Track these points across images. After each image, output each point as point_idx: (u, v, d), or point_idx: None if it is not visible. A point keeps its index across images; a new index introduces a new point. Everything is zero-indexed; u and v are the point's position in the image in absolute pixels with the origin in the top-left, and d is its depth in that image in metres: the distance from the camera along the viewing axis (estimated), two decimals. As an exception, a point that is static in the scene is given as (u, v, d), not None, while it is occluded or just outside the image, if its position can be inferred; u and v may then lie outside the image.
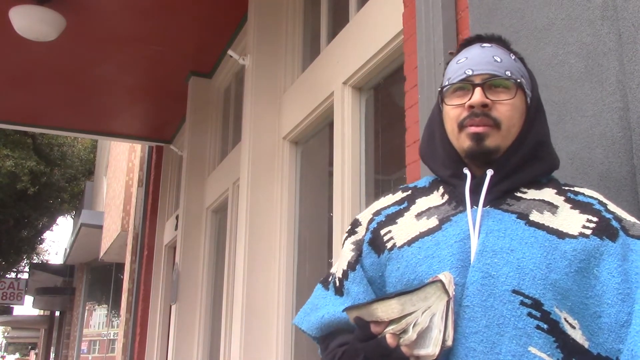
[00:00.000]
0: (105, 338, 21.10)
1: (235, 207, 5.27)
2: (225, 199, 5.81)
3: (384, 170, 3.56)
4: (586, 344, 1.08)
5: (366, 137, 3.51)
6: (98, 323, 21.14)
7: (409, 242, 1.21)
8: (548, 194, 1.21)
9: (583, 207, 1.18)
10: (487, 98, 1.21)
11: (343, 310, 1.16)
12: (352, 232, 1.34)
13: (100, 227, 12.91)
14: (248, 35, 4.93)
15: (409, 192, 1.35)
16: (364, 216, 1.35)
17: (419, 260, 1.18)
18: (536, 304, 1.08)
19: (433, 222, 1.23)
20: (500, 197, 1.21)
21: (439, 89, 1.32)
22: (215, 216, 6.39)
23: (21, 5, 4.85)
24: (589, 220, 1.15)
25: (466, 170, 1.24)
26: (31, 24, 4.88)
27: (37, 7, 4.85)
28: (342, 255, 1.32)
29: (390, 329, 1.08)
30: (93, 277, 18.27)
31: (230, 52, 4.99)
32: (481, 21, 2.13)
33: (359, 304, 1.13)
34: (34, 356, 33.43)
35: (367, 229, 1.31)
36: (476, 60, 1.25)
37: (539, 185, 1.24)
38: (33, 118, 7.66)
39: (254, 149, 4.44)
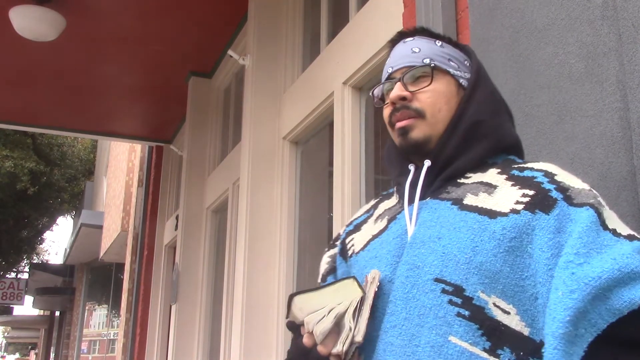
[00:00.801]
0: (105, 338, 21.12)
1: (235, 207, 5.27)
2: (225, 199, 5.81)
3: (384, 170, 3.55)
4: (526, 331, 0.99)
5: (366, 137, 3.51)
6: (98, 323, 21.15)
7: (363, 247, 1.23)
8: (490, 174, 1.15)
9: (522, 181, 1.10)
10: (407, 90, 1.20)
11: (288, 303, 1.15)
12: (332, 245, 1.37)
13: (100, 227, 12.91)
14: (248, 35, 4.93)
15: (378, 199, 1.36)
16: (342, 229, 1.38)
17: (366, 262, 1.19)
18: (457, 290, 1.02)
19: (383, 223, 1.23)
20: (441, 186, 1.17)
21: (370, 94, 1.34)
22: (215, 216, 6.39)
23: (21, 5, 4.85)
24: (524, 195, 1.07)
25: (410, 166, 1.23)
26: (31, 24, 4.88)
27: (37, 7, 4.85)
28: (320, 269, 1.36)
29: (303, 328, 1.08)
30: (93, 277, 18.27)
31: (230, 52, 4.99)
32: (481, 21, 2.13)
33: (292, 294, 1.12)
34: (34, 356, 33.44)
35: (341, 241, 1.33)
36: (395, 57, 1.26)
37: (486, 167, 1.17)
38: (33, 118, 7.66)
39: (254, 149, 4.44)
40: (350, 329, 1.04)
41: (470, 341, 0.99)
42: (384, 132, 3.75)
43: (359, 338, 1.04)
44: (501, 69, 1.97)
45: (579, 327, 0.92)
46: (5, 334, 41.85)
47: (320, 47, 4.20)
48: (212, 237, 6.33)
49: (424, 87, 1.20)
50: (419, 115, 1.19)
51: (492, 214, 1.07)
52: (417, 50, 1.23)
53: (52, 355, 23.82)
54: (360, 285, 1.08)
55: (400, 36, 1.30)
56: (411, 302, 1.05)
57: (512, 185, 1.10)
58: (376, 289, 1.08)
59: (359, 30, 3.50)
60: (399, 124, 1.21)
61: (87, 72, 6.33)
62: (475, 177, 1.16)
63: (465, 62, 1.27)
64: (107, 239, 11.71)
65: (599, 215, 1.02)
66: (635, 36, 1.51)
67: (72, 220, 21.13)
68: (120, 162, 11.59)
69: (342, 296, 1.06)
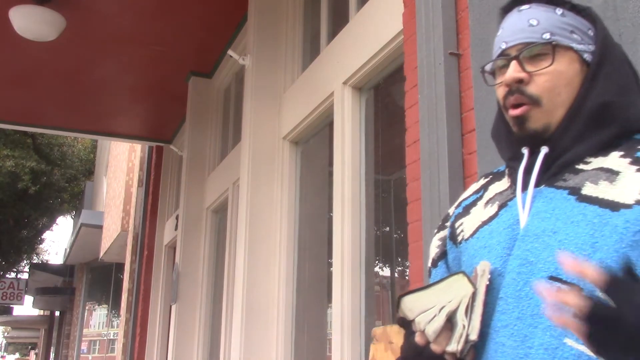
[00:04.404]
0: (105, 338, 21.10)
1: (235, 207, 5.27)
2: (225, 199, 5.81)
3: (384, 170, 3.56)
4: None
5: (366, 137, 3.51)
6: (98, 323, 21.14)
7: (473, 234, 1.15)
8: (612, 158, 1.03)
9: None
10: (524, 71, 1.08)
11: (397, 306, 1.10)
12: (441, 227, 1.28)
13: (100, 227, 12.91)
14: (248, 35, 4.93)
15: (488, 178, 1.25)
16: (452, 209, 1.28)
17: (476, 251, 1.12)
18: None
19: (494, 209, 1.14)
20: (558, 172, 1.06)
21: (480, 70, 1.22)
22: (215, 216, 6.39)
23: (21, 5, 4.85)
24: None
25: (524, 150, 1.12)
26: (31, 24, 4.88)
27: (37, 7, 4.85)
28: (430, 252, 1.28)
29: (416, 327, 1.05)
30: (93, 277, 18.26)
31: (230, 52, 4.99)
32: (481, 21, 2.13)
33: (401, 294, 1.07)
34: (34, 356, 33.43)
35: (450, 223, 1.25)
36: (510, 29, 1.13)
37: (608, 150, 1.05)
38: (33, 118, 7.66)
39: (254, 149, 4.44)
40: (464, 326, 1.01)
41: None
42: (384, 132, 3.75)
43: (473, 336, 1.01)
44: (501, 69, 1.96)
45: None
46: (5, 334, 41.84)
47: (320, 47, 4.20)
48: (212, 237, 6.33)
49: (544, 67, 1.07)
50: (534, 102, 1.08)
51: (613, 205, 0.97)
52: (534, 22, 1.10)
53: (52, 355, 23.81)
54: (470, 280, 1.03)
55: (515, 3, 1.17)
56: (524, 300, 0.99)
57: (638, 170, 0.99)
58: (487, 283, 1.03)
59: (359, 30, 3.49)
60: (513, 112, 1.10)
61: (87, 72, 6.33)
62: (595, 163, 1.04)
63: (589, 32, 1.12)
64: (107, 239, 11.71)
65: None
66: (635, 36, 1.51)
67: (72, 220, 21.13)
68: (120, 162, 11.59)
69: (452, 293, 1.03)
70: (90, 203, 16.79)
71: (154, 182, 8.50)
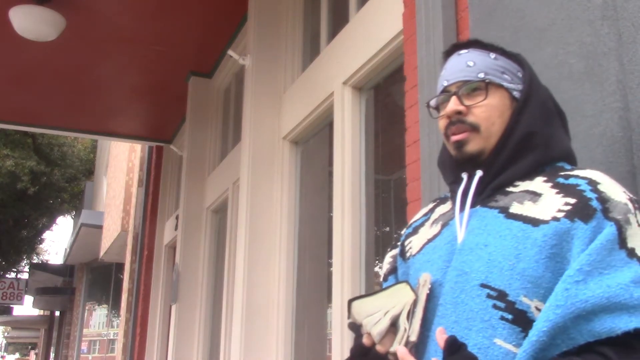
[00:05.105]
0: (105, 338, 21.10)
1: (235, 207, 5.27)
2: (225, 199, 5.82)
3: (384, 170, 3.56)
4: None
5: (366, 137, 3.51)
6: (98, 323, 21.14)
7: (419, 250, 1.30)
8: (536, 183, 1.19)
9: (566, 189, 1.14)
10: (462, 104, 1.24)
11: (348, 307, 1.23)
12: (393, 246, 1.44)
13: (100, 227, 12.91)
14: (248, 35, 4.93)
15: (435, 202, 1.42)
16: (404, 230, 1.44)
17: (421, 265, 1.26)
18: (501, 295, 1.08)
19: (438, 228, 1.29)
20: (491, 195, 1.22)
21: (425, 105, 1.37)
22: (215, 216, 6.39)
23: (21, 5, 4.85)
24: (566, 203, 1.11)
25: (463, 175, 1.28)
26: (31, 24, 4.88)
27: (37, 7, 4.85)
28: (382, 268, 1.43)
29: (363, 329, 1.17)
30: (93, 277, 18.27)
31: (230, 52, 4.99)
32: (481, 21, 2.13)
33: (350, 299, 1.20)
34: (34, 356, 33.44)
35: (401, 242, 1.40)
36: (450, 70, 1.29)
37: (533, 176, 1.21)
38: (33, 118, 7.66)
39: (254, 149, 4.44)
40: (405, 329, 1.12)
41: (514, 343, 1.06)
42: (384, 132, 3.76)
43: (413, 338, 1.12)
44: (501, 69, 1.96)
45: (555, 339, 1.00)
46: (5, 334, 41.85)
47: (320, 47, 4.20)
48: (212, 237, 6.33)
49: (479, 102, 1.24)
50: (474, 129, 1.23)
51: (534, 221, 1.11)
52: (471, 64, 1.27)
53: (52, 355, 23.81)
54: (412, 289, 1.15)
55: (455, 48, 1.33)
56: (460, 306, 1.12)
57: (557, 193, 1.14)
58: (428, 292, 1.16)
59: (359, 30, 3.49)
60: (454, 138, 1.25)
61: (87, 72, 6.33)
62: (522, 186, 1.20)
63: (518, 73, 1.29)
64: (107, 239, 11.71)
65: (621, 232, 1.06)
66: (635, 36, 1.52)
67: (72, 220, 21.13)
68: (120, 162, 11.59)
69: (396, 299, 1.15)
70: (90, 203, 16.80)
71: (154, 182, 8.50)
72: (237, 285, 4.32)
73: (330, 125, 3.85)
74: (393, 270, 1.39)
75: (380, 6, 3.27)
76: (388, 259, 1.42)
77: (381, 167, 3.52)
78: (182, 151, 7.02)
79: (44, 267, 21.42)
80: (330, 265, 3.70)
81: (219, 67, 6.38)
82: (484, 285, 1.11)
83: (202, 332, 6.17)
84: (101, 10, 5.23)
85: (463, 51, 1.31)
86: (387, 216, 3.59)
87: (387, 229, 3.63)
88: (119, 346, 9.52)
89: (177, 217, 7.02)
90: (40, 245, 25.20)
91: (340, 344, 3.23)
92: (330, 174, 3.71)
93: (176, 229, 6.97)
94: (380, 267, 3.67)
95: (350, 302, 1.19)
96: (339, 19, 4.01)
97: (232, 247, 5.25)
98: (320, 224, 4.15)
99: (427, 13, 2.39)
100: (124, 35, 5.61)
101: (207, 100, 6.67)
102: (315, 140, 4.33)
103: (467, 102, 1.24)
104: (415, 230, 1.38)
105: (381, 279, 1.42)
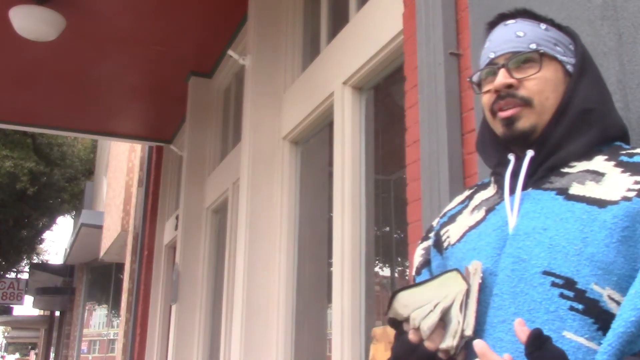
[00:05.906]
0: (105, 338, 21.10)
1: (235, 207, 5.27)
2: (225, 199, 5.82)
3: (384, 170, 3.56)
4: None
5: (366, 137, 3.51)
6: (98, 323, 21.14)
7: (460, 238, 1.19)
8: (596, 162, 1.09)
9: (633, 168, 1.03)
10: (513, 77, 1.15)
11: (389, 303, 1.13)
12: (425, 238, 1.34)
13: (100, 227, 12.91)
14: (248, 35, 4.93)
15: (473, 189, 1.32)
16: (436, 221, 1.34)
17: (464, 254, 1.16)
18: (568, 283, 0.98)
19: (481, 214, 1.19)
20: (544, 176, 1.12)
21: (468, 80, 1.27)
22: (215, 216, 6.39)
23: (21, 5, 4.85)
24: (636, 182, 1.01)
25: (510, 156, 1.18)
26: (31, 24, 4.88)
27: (37, 7, 4.85)
28: (414, 262, 1.33)
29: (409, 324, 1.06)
30: (93, 277, 18.26)
31: (230, 52, 4.99)
32: (481, 21, 2.13)
33: (395, 290, 1.10)
34: (34, 356, 33.44)
35: (435, 232, 1.30)
36: (497, 41, 1.20)
37: (592, 155, 1.11)
38: (33, 118, 7.66)
39: (254, 149, 4.44)
40: (459, 322, 1.02)
41: (586, 336, 0.96)
42: (384, 132, 3.76)
43: (469, 332, 1.02)
44: (501, 69, 1.96)
45: None
46: (5, 334, 41.83)
47: (320, 47, 4.20)
48: (212, 237, 6.33)
49: (532, 74, 1.14)
50: (526, 103, 1.13)
51: (601, 203, 1.01)
52: (521, 34, 1.17)
53: (52, 355, 23.80)
54: (463, 277, 1.05)
55: (501, 18, 1.23)
56: (519, 296, 1.02)
57: (622, 172, 1.04)
58: (480, 281, 1.05)
59: (359, 30, 3.49)
60: (503, 114, 1.15)
61: (87, 72, 6.33)
62: (580, 166, 1.10)
63: (570, 46, 1.21)
64: (107, 239, 11.71)
65: None
66: (635, 36, 1.52)
67: (72, 220, 21.14)
68: (120, 162, 11.59)
69: (446, 290, 1.04)
70: (90, 203, 16.80)
71: (154, 182, 8.50)
72: (237, 285, 4.32)
73: (330, 125, 3.85)
74: (426, 263, 1.29)
75: (380, 6, 3.27)
76: (420, 251, 1.32)
77: (381, 167, 3.52)
78: (182, 151, 7.02)
79: (44, 267, 21.41)
80: (330, 265, 3.70)
81: (219, 67, 6.38)
82: (547, 273, 1.00)
83: (202, 332, 6.17)
84: (101, 10, 5.23)
85: (510, 21, 1.20)
86: (387, 216, 3.59)
87: (387, 229, 3.63)
88: (119, 346, 9.52)
89: (177, 217, 7.02)
90: (40, 245, 25.21)
91: (340, 344, 3.23)
92: (330, 174, 3.71)
93: (176, 229, 6.97)
94: (380, 268, 3.68)
95: (395, 293, 1.08)
96: (339, 19, 4.02)
97: (232, 247, 5.25)
98: (320, 224, 4.15)
99: (427, 13, 2.39)
100: (124, 35, 5.60)
101: (207, 100, 6.67)
102: (315, 141, 4.33)
103: (518, 75, 1.14)
104: (451, 219, 1.26)
105: (413, 273, 1.32)
